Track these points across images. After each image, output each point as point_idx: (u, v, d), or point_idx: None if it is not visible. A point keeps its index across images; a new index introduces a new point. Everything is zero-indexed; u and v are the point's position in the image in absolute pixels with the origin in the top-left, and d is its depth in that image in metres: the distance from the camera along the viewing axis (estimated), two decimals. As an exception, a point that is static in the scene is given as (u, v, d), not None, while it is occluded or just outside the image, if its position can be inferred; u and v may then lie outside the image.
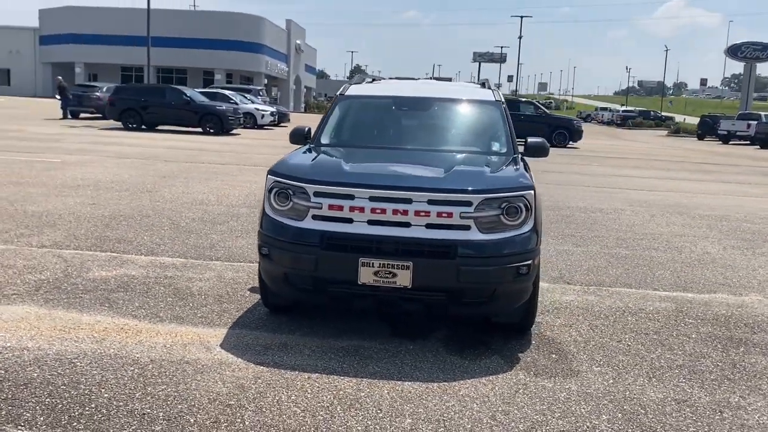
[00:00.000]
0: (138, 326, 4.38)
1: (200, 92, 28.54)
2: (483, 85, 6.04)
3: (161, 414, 3.17)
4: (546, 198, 11.55)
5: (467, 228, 3.96)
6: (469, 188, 4.00)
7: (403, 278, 3.91)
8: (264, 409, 3.27)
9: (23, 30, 55.80)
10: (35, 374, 3.54)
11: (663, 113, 72.76)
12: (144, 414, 3.16)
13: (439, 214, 3.94)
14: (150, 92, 25.90)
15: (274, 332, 4.39)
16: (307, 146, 5.17)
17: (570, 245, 7.72)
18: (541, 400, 3.54)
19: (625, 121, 62.89)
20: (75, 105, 29.61)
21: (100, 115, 28.59)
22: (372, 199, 3.97)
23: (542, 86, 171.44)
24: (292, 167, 4.30)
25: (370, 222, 3.98)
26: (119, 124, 24.95)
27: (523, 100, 34.23)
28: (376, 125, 5.55)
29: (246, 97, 32.19)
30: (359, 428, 3.14)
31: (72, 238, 6.82)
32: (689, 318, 5.16)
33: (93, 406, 3.22)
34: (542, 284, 5.85)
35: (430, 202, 3.95)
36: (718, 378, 3.99)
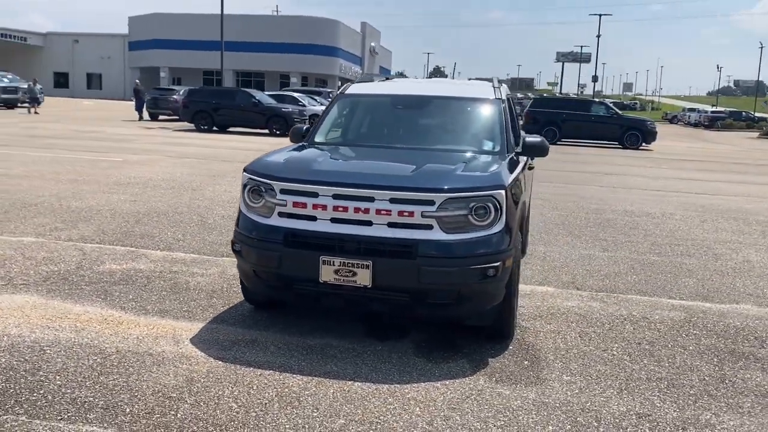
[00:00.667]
0: (121, 318, 4.53)
1: (269, 95, 29.27)
2: (491, 83, 5.89)
3: (101, 403, 3.26)
4: (593, 201, 11.15)
5: (429, 227, 3.87)
6: (432, 187, 3.91)
7: (363, 277, 3.86)
8: (201, 403, 3.31)
9: (114, 36, 58.96)
10: (3, 360, 3.72)
11: (756, 114, 68.70)
12: (85, 402, 3.26)
13: (400, 213, 3.87)
14: (221, 95, 26.81)
15: (249, 328, 4.44)
16: (298, 144, 5.21)
17: (597, 250, 7.41)
18: (489, 408, 3.42)
19: (713, 123, 59.73)
20: (152, 107, 31.01)
21: (176, 117, 29.82)
22: (335, 197, 3.95)
23: (627, 86, 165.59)
24: (264, 164, 4.34)
25: (333, 220, 3.96)
26: (192, 125, 25.93)
27: (595, 100, 33.21)
28: (370, 123, 5.53)
29: (315, 99, 32.74)
30: (288, 426, 3.13)
31: (100, 233, 7.13)
32: (695, 329, 4.85)
33: (42, 392, 3.35)
34: (548, 289, 5.69)
35: (392, 200, 3.88)
36: (697, 393, 3.73)
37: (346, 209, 3.92)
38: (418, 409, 3.37)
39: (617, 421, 3.34)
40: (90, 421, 3.09)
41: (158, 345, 4.06)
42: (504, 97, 5.43)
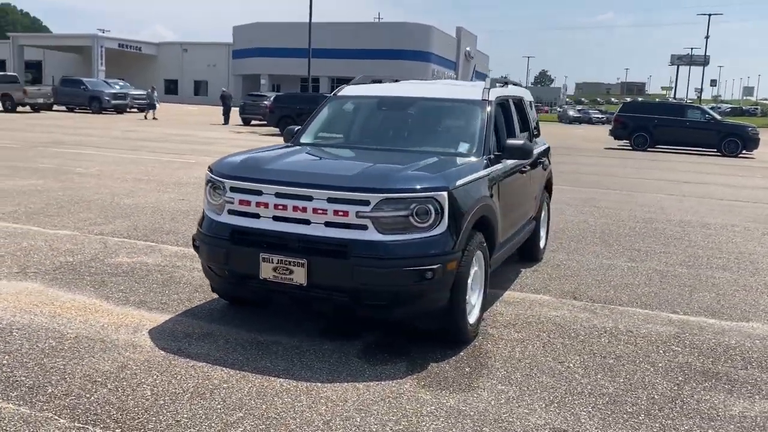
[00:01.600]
0: (99, 307, 4.80)
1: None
2: (492, 83, 5.73)
3: (30, 382, 3.49)
4: (651, 210, 10.60)
5: (364, 228, 3.85)
6: (367, 187, 3.88)
7: (299, 275, 3.90)
8: (119, 389, 3.46)
9: (219, 45, 61.99)
10: (-31, 339, 4.06)
11: None
12: (16, 381, 3.50)
13: (335, 213, 3.88)
14: (305, 100, 27.59)
15: (211, 322, 4.58)
16: (282, 144, 5.32)
17: (623, 260, 7.05)
18: (397, 412, 3.36)
19: (839, 129, 54.74)
20: (244, 113, 32.37)
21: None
22: (277, 195, 4.01)
23: (748, 91, 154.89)
24: (224, 163, 4.46)
25: (275, 218, 4.02)
26: (278, 129, 26.82)
27: (691, 104, 31.40)
28: (354, 125, 5.55)
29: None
30: (186, 416, 3.22)
31: (131, 228, 7.56)
32: (678, 345, 4.53)
33: (-16, 370, 3.63)
34: (542, 297, 5.51)
35: (329, 200, 3.90)
36: (635, 412, 3.49)
37: (286, 208, 3.98)
38: (324, 408, 3.36)
39: (528, 434, 3.20)
40: (10, 398, 3.31)
41: (116, 333, 4.28)
42: (492, 99, 5.29)
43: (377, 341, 4.35)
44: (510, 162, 5.17)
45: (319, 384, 3.64)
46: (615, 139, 27.37)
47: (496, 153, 4.98)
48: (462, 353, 4.21)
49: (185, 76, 62.65)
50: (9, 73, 38.77)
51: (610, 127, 29.33)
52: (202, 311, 4.81)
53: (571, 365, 4.10)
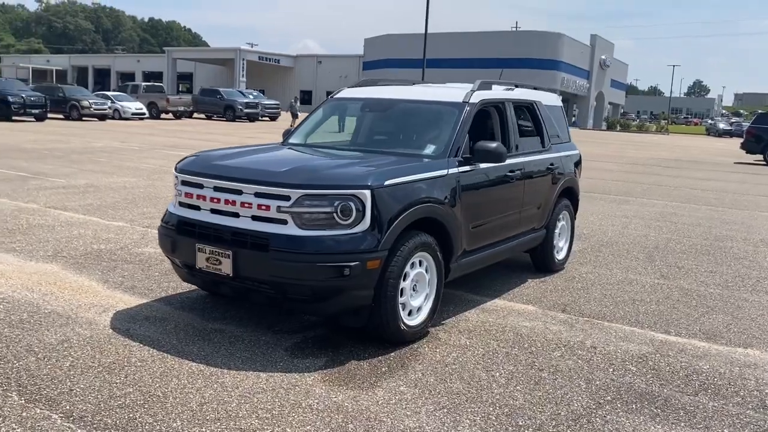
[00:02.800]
0: (91, 288, 5.25)
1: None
2: (482, 85, 5.58)
3: (-23, 347, 3.93)
4: (731, 227, 9.76)
5: (284, 222, 3.95)
6: (289, 183, 3.98)
7: (226, 266, 4.07)
8: (45, 359, 3.81)
9: (351, 57, 64.03)
10: (-40, 307, 4.62)
11: None
12: (-33, 344, 3.96)
13: (259, 207, 4.01)
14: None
15: (177, 309, 4.87)
16: (268, 144, 5.54)
17: (653, 276, 6.58)
18: (277, 402, 3.43)
19: None
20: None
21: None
22: (215, 189, 4.22)
23: None
24: (187, 159, 4.73)
25: (212, 210, 4.23)
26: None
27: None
28: (337, 126, 5.64)
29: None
30: (83, 386, 3.48)
31: (177, 223, 8.12)
32: (636, 365, 4.20)
33: (-50, 333, 4.14)
34: (527, 307, 5.35)
35: (256, 194, 4.04)
36: (526, 425, 3.32)
37: (218, 201, 4.17)
38: (211, 391, 3.50)
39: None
40: (-48, 358, 3.76)
41: (86, 312, 4.67)
42: (475, 101, 5.17)
43: (318, 336, 4.42)
44: (490, 166, 5.03)
45: (226, 370, 3.79)
46: (747, 153, 25.15)
47: (466, 156, 4.88)
48: (393, 353, 4.18)
49: (319, 87, 65.29)
50: (156, 83, 42.55)
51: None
52: (179, 299, 5.11)
53: (497, 375, 3.94)
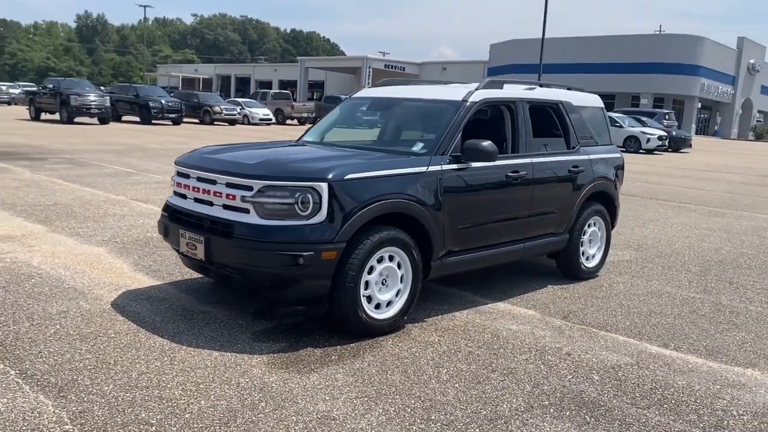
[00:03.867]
0: (116, 268, 5.75)
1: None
2: (490, 84, 5.51)
3: (-11, 311, 4.49)
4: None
5: (247, 211, 4.17)
6: (252, 174, 4.19)
7: (200, 251, 4.36)
8: (36, 325, 4.27)
9: (476, 63, 63.60)
10: (-2, 279, 5.27)
11: None
12: (-17, 309, 4.54)
13: (227, 196, 4.26)
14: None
15: (181, 292, 5.22)
16: (280, 141, 5.81)
17: (692, 291, 6.16)
18: (207, 377, 3.64)
19: None
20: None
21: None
22: (198, 179, 4.52)
23: None
24: (186, 153, 5.07)
25: (195, 200, 4.54)
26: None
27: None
28: (345, 124, 5.78)
29: (640, 121, 30.83)
30: (53, 350, 3.88)
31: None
32: (601, 375, 4.01)
33: (-23, 299, 4.74)
34: (525, 311, 5.21)
35: (227, 185, 4.29)
36: (431, 419, 3.29)
37: (198, 190, 4.48)
38: (157, 364, 3.78)
39: (305, 418, 3.26)
40: (-35, 319, 4.34)
41: (100, 289, 5.15)
42: (476, 100, 5.13)
43: (292, 323, 4.59)
44: (485, 165, 4.96)
45: (185, 347, 4.06)
46: None
47: (456, 154, 4.86)
48: (354, 344, 4.27)
49: (444, 93, 65.57)
50: (282, 91, 44.77)
51: None
52: (189, 284, 5.48)
53: (443, 372, 3.92)
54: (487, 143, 4.84)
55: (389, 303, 4.50)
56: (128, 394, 3.38)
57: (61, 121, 28.86)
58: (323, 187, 4.09)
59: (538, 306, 5.38)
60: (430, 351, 4.25)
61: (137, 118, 31.70)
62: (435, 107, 5.28)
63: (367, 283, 4.32)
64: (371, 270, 4.34)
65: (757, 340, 4.83)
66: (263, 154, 4.74)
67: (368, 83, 60.68)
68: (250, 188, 4.17)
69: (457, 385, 3.73)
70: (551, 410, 3.49)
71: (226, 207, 4.30)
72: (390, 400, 3.50)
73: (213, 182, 4.39)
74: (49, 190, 9.87)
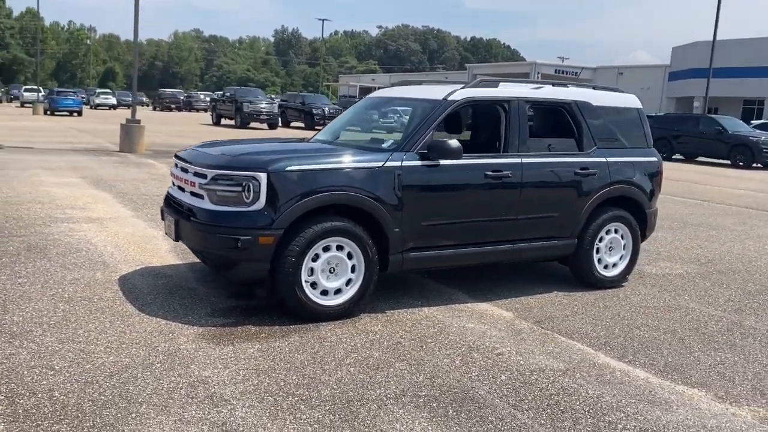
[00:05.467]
0: (156, 249, 6.49)
1: (757, 124, 26.05)
2: (481, 83, 5.48)
3: (9, 260, 5.39)
4: None
5: (202, 197, 4.63)
6: (207, 164, 4.64)
7: (172, 232, 4.91)
8: (43, 288, 5.04)
9: (656, 67, 59.54)
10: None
11: None
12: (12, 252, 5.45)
13: (191, 183, 4.74)
14: (682, 121, 25.50)
15: (191, 271, 5.81)
16: (271, 137, 6.24)
17: (719, 309, 5.65)
18: (133, 340, 4.11)
19: None
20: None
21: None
22: (181, 169, 5.07)
23: None
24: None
25: (178, 187, 5.09)
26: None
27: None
28: (345, 123, 6.01)
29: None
30: (41, 308, 4.60)
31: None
32: (511, 376, 3.93)
33: None
34: (499, 312, 5.17)
35: (194, 174, 4.78)
36: (303, 397, 3.50)
37: (179, 178, 5.02)
38: (106, 325, 4.34)
39: (182, 380, 3.63)
40: (-2, 279, 5.26)
41: (124, 265, 5.89)
42: (457, 99, 5.15)
43: (256, 305, 4.94)
44: (458, 163, 4.99)
45: (144, 315, 4.58)
46: None
47: (422, 151, 4.94)
48: (294, 326, 4.52)
49: (619, 99, 62.20)
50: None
51: None
52: (203, 267, 6.06)
53: (352, 356, 4.06)
54: (452, 141, 4.87)
55: (338, 291, 4.70)
56: (59, 346, 3.97)
57: (236, 126, 31.97)
58: (262, 177, 4.42)
59: (519, 309, 5.26)
60: (360, 338, 4.40)
61: (303, 124, 34.26)
62: (415, 105, 5.39)
63: (312, 269, 4.58)
64: (316, 257, 4.59)
65: (739, 362, 4.36)
66: (232, 149, 5.18)
67: (536, 90, 59.42)
68: (204, 176, 4.63)
69: (351, 369, 3.87)
70: (420, 400, 3.52)
71: (192, 194, 4.79)
72: (273, 375, 3.74)
73: (187, 171, 4.91)
74: (167, 183, 11.19)
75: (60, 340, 4.06)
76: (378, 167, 4.77)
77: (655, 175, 6.24)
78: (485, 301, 5.41)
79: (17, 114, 36.75)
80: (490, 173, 5.20)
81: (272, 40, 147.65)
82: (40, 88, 50.17)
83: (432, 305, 5.21)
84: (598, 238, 5.86)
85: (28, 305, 4.67)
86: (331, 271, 4.68)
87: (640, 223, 6.14)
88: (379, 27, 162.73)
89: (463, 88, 5.33)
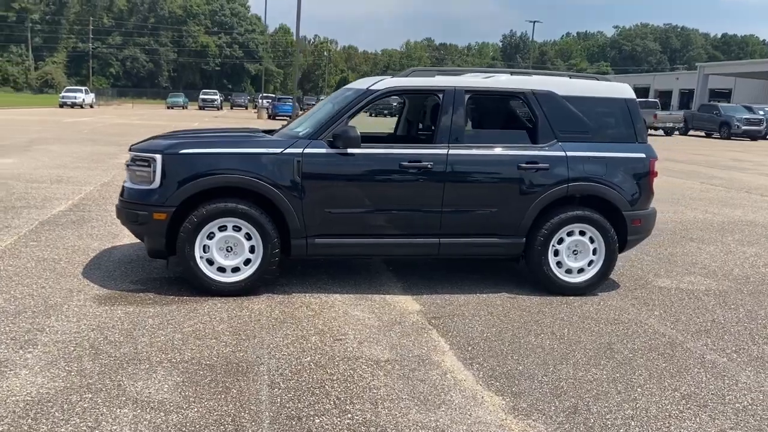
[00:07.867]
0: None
1: None
2: (414, 72, 5.35)
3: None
4: None
5: (127, 177, 5.25)
6: (132, 148, 5.23)
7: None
8: (65, 259, 6.08)
9: None
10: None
11: None
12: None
13: (128, 167, 5.37)
14: None
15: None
16: None
17: (679, 331, 4.92)
18: (63, 293, 4.86)
19: None
20: None
21: None
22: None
23: None
24: None
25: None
26: None
27: None
28: (312, 114, 6.17)
29: None
30: (34, 276, 5.61)
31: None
32: (287, 352, 3.94)
33: None
34: (408, 303, 5.14)
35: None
36: (196, 364, 3.92)
37: (136, 162, 5.72)
38: (61, 291, 5.17)
39: (55, 330, 4.27)
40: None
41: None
42: (379, 89, 5.15)
43: (179, 277, 5.45)
44: (366, 152, 5.02)
45: (95, 285, 5.31)
46: None
47: (329, 139, 5.04)
48: (190, 297, 4.95)
49: None
50: (650, 100, 41.74)
51: None
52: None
53: (200, 328, 4.36)
54: (350, 129, 4.91)
55: (236, 269, 5.01)
56: (14, 290, 4.93)
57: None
58: (158, 158, 4.92)
59: (435, 305, 5.09)
60: (236, 317, 4.61)
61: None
62: (345, 95, 5.47)
63: (206, 246, 4.95)
64: (212, 236, 4.95)
65: (704, 384, 3.82)
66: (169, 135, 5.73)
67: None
68: (131, 159, 5.24)
69: (191, 340, 4.15)
70: (184, 365, 3.73)
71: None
72: (122, 335, 4.18)
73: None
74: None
75: (6, 300, 4.94)
76: (276, 153, 4.99)
77: (642, 174, 5.51)
78: (410, 294, 5.32)
79: (242, 117, 41.74)
80: (406, 164, 5.11)
81: (500, 45, 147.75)
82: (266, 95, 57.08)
83: (348, 293, 5.26)
84: (555, 240, 5.38)
85: (21, 282, 5.70)
86: (229, 250, 5.00)
87: (618, 227, 5.47)
88: (615, 27, 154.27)
89: (393, 77, 5.29)
